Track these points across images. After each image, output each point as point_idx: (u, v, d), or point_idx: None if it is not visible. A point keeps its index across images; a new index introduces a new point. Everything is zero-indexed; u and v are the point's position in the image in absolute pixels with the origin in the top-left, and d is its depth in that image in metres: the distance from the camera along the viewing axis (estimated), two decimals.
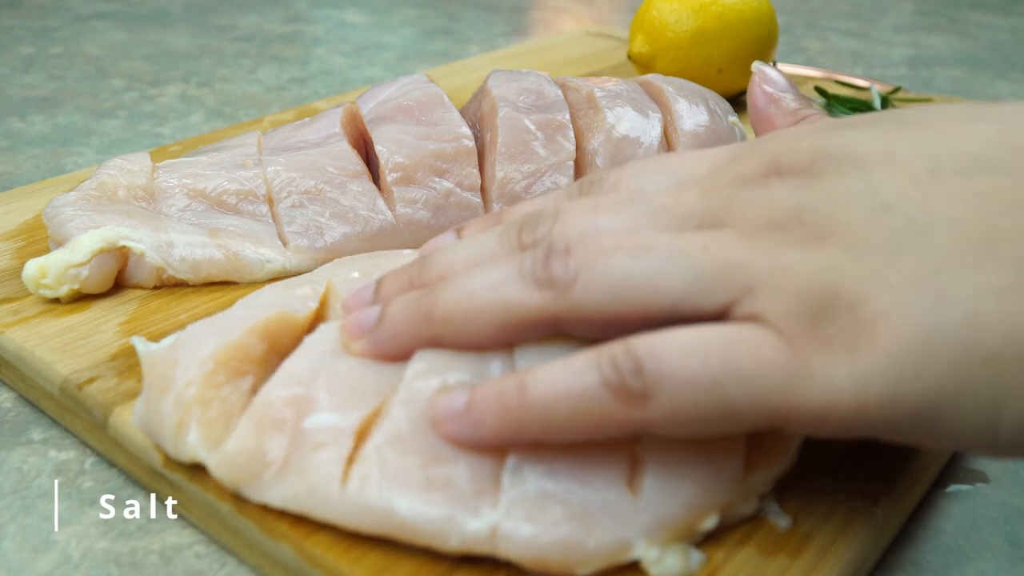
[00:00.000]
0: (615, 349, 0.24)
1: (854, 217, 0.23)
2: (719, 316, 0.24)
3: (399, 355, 0.28)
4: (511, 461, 0.25)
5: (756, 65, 0.36)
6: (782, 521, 0.27)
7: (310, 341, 0.29)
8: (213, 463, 0.26)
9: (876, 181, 0.24)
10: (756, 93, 0.35)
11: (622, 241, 0.25)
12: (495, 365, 0.27)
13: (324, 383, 0.27)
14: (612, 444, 0.26)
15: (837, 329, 0.22)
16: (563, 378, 0.24)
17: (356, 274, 0.33)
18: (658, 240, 0.25)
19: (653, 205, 0.27)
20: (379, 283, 0.30)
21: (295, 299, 0.31)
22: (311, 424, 0.26)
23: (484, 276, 0.27)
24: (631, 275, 0.24)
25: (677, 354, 0.23)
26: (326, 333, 0.29)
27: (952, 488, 0.32)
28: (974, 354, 0.21)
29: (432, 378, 0.27)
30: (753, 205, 0.25)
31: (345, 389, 0.27)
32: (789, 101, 0.34)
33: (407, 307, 0.28)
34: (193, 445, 0.27)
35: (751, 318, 0.23)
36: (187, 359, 0.28)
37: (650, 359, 0.23)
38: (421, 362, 0.27)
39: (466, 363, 0.27)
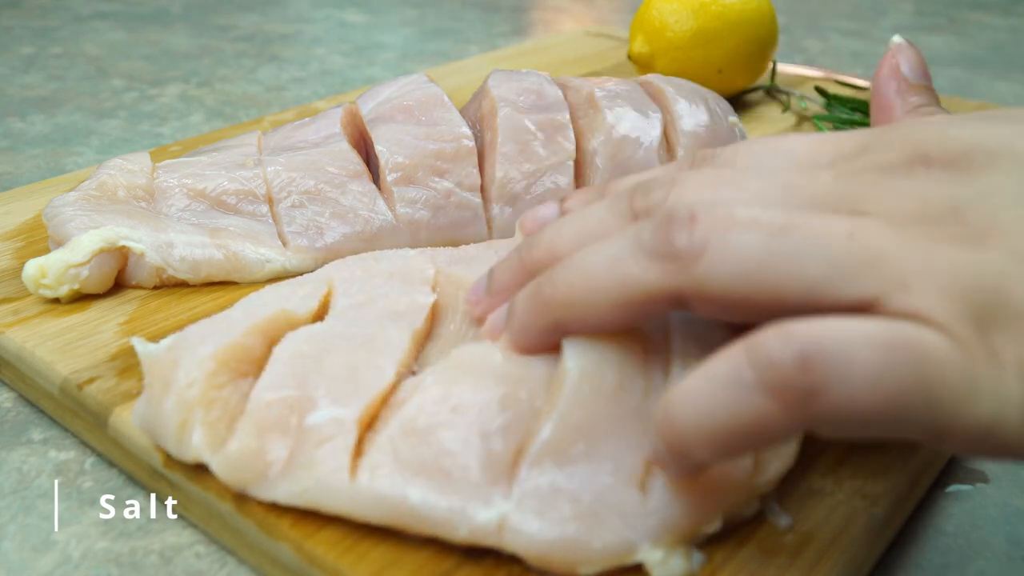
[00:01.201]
0: (769, 339, 0.20)
1: (1017, 219, 0.21)
2: (858, 310, 0.21)
3: (536, 348, 0.27)
4: (532, 453, 0.25)
5: (898, 40, 0.33)
6: (782, 521, 0.27)
7: (279, 352, 0.29)
8: (217, 464, 0.27)
9: None
10: (885, 73, 0.32)
11: (757, 215, 0.22)
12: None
13: (317, 380, 0.27)
14: (629, 443, 0.26)
15: (1007, 338, 0.20)
16: (708, 392, 0.21)
17: (359, 272, 0.33)
18: (796, 218, 0.22)
19: (782, 182, 0.24)
20: (491, 272, 0.30)
21: (295, 298, 0.31)
22: (314, 420, 0.26)
23: (598, 252, 0.25)
24: (767, 253, 0.22)
25: (852, 345, 0.20)
26: (295, 338, 0.29)
27: (952, 488, 0.32)
28: None
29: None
30: (900, 194, 0.23)
31: (340, 382, 0.27)
32: (917, 95, 0.31)
33: (528, 298, 0.27)
34: (197, 446, 0.27)
35: (909, 316, 0.20)
36: (188, 359, 0.28)
37: (819, 349, 0.20)
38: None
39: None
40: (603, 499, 0.25)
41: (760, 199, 0.24)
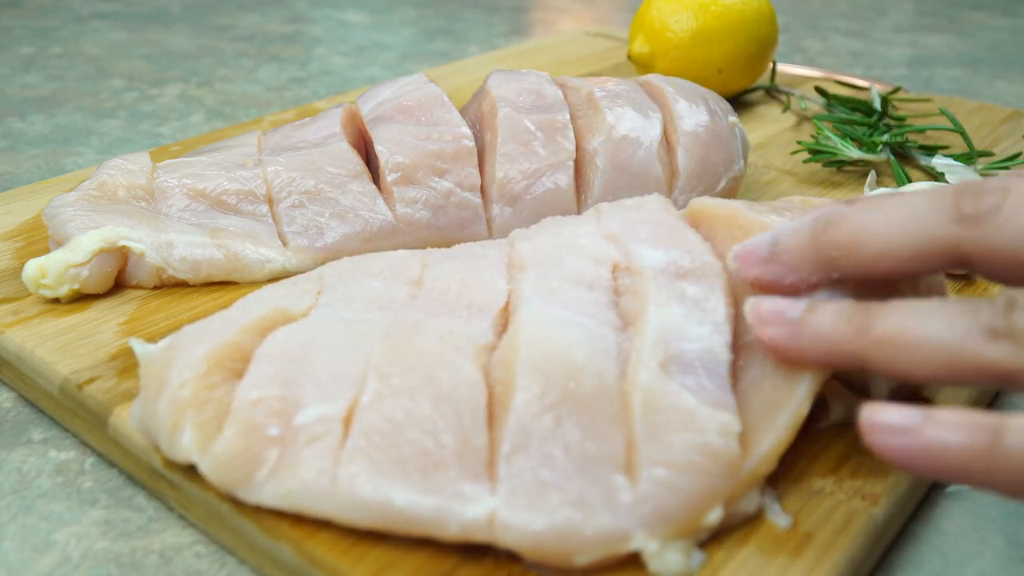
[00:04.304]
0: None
1: None
2: None
3: (817, 360, 0.26)
4: (505, 448, 0.25)
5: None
6: (782, 521, 0.27)
7: (262, 351, 0.29)
8: (205, 466, 0.26)
9: None
10: None
11: None
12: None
13: (302, 378, 0.27)
14: (604, 426, 0.26)
15: None
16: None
17: (348, 271, 0.33)
18: None
19: None
20: (776, 237, 0.28)
21: (291, 297, 0.31)
22: (302, 420, 0.26)
23: (936, 320, 0.24)
24: None
25: None
26: (278, 336, 0.29)
27: (952, 488, 0.32)
28: None
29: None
30: None
31: (325, 379, 0.27)
32: None
33: (838, 317, 0.26)
34: (187, 447, 0.27)
35: None
36: (181, 360, 0.28)
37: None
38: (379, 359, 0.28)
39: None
40: (588, 486, 0.25)
41: None
